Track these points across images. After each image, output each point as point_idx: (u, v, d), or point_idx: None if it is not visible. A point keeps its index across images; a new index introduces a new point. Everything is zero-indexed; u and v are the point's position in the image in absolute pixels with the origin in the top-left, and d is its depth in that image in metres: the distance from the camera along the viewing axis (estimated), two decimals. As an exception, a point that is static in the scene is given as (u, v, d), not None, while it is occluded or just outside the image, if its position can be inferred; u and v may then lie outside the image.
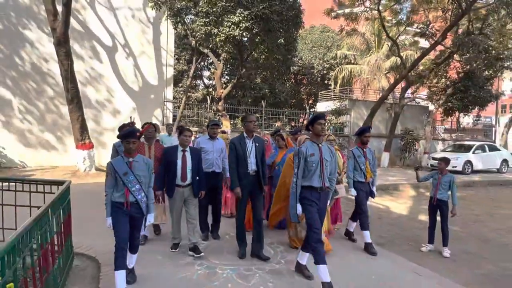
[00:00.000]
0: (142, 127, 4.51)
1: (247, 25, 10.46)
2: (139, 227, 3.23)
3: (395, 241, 5.42)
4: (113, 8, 12.71)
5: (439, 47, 15.58)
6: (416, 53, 18.75)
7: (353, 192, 4.72)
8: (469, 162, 14.19)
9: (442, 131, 22.10)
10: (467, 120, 22.74)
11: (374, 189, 4.93)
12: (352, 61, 22.75)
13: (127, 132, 3.12)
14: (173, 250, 4.18)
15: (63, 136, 11.93)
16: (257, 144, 4.13)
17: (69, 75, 9.46)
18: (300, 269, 3.69)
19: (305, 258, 3.69)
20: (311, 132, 3.53)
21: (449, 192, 4.83)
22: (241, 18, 10.37)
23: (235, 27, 10.54)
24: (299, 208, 3.43)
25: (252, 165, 4.05)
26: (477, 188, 11.76)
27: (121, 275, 3.02)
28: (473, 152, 14.61)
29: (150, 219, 3.29)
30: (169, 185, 4.11)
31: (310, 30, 24.80)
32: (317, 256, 3.30)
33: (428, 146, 17.06)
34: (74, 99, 9.74)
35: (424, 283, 3.67)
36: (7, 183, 3.84)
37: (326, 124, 3.31)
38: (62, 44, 9.26)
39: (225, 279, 3.50)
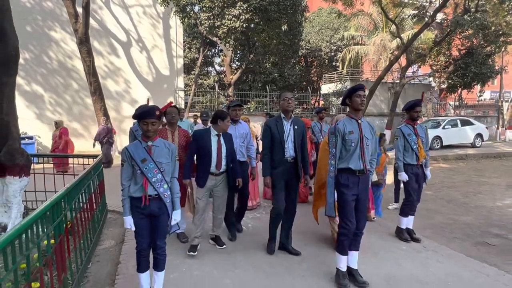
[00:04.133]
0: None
1: (247, 16, 11.33)
2: (163, 231, 2.63)
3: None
4: (126, 6, 13.87)
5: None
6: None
7: (404, 176, 4.05)
8: (438, 137, 14.29)
9: (452, 108, 22.25)
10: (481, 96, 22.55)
11: (427, 171, 4.21)
12: (360, 42, 23.00)
13: (143, 111, 2.53)
14: (192, 253, 3.51)
15: (88, 125, 13.40)
16: (295, 127, 3.57)
17: (91, 70, 10.63)
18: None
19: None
20: (348, 106, 3.08)
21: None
22: (241, 11, 11.24)
23: (235, 19, 11.43)
24: (335, 195, 3.01)
25: (289, 151, 3.52)
26: (469, 161, 12.39)
27: (144, 276, 2.68)
28: (443, 128, 14.64)
29: (177, 217, 2.69)
30: (200, 173, 3.56)
31: (318, 12, 24.77)
32: (339, 246, 3.06)
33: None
34: (97, 91, 10.95)
35: (374, 227, 4.68)
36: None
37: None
38: (84, 43, 10.41)
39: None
